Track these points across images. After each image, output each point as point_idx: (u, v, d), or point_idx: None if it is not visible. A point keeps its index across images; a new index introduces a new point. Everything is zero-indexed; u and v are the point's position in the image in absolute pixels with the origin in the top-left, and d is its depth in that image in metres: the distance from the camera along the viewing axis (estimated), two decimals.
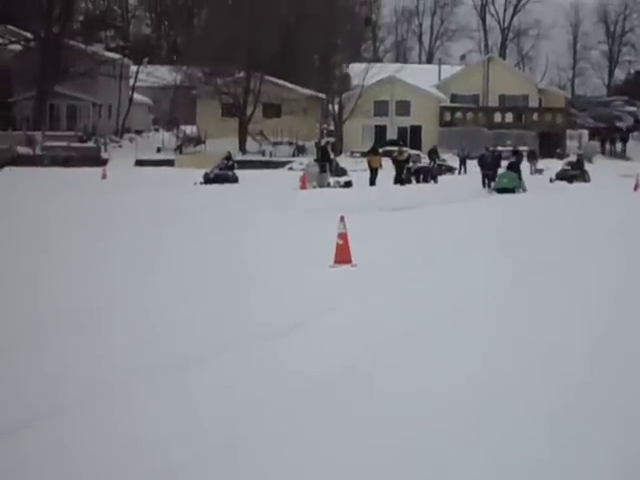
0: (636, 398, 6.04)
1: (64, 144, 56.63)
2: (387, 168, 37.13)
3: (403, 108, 68.02)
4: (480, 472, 4.76)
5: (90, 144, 60.57)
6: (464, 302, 9.67)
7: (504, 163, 35.22)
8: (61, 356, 7.19)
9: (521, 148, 49.55)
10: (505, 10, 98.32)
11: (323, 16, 65.83)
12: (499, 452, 5.00)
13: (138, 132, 70.87)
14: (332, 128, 67.85)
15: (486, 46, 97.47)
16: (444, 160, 49.55)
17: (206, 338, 7.84)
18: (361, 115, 63.85)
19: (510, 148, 40.82)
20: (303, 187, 31.75)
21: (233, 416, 5.60)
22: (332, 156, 39.11)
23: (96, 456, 4.96)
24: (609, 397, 6.07)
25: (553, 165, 47.19)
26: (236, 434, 5.27)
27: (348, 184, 34.33)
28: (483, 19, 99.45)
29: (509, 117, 68.21)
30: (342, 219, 12.62)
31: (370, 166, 36.50)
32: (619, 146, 70.01)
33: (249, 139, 64.52)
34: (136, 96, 73.23)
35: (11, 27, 65.22)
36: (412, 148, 54.41)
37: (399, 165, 36.25)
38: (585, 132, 71.64)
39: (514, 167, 33.34)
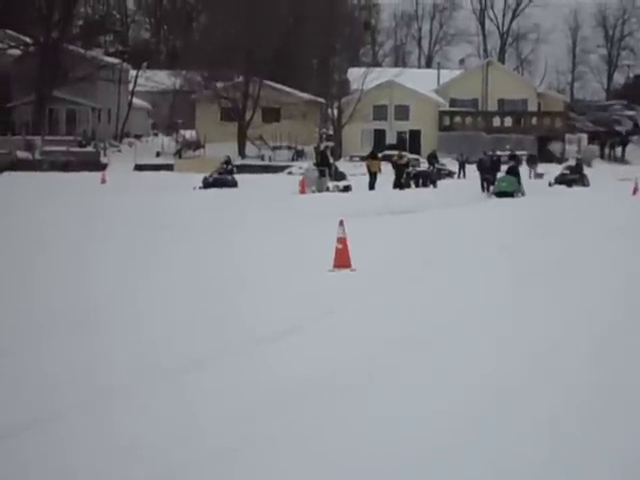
0: (638, 398, 6.05)
1: (63, 149, 56.70)
2: (386, 172, 37.14)
3: (402, 112, 68.07)
4: (481, 473, 4.76)
5: (89, 149, 60.63)
6: (464, 305, 9.68)
7: (504, 167, 35.25)
8: (60, 358, 7.20)
9: (520, 152, 49.67)
10: (504, 14, 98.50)
11: (322, 20, 65.93)
12: (500, 452, 5.00)
13: (137, 137, 70.92)
14: (331, 132, 67.91)
15: (485, 50, 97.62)
16: (443, 164, 49.57)
17: (205, 341, 7.86)
18: (360, 119, 63.89)
19: (508, 152, 40.80)
20: (302, 191, 31.75)
21: (232, 419, 5.61)
22: (331, 160, 39.12)
23: (96, 459, 4.97)
24: (612, 397, 6.08)
25: (552, 169, 47.21)
26: (236, 437, 5.28)
27: (347, 188, 34.34)
28: (482, 23, 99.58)
29: (508, 121, 68.27)
30: (341, 223, 12.62)
31: (369, 170, 36.50)
32: (618, 150, 70.07)
33: (248, 143, 64.56)
34: (135, 101, 73.30)
35: (10, 32, 65.32)
36: (411, 152, 54.43)
37: (399, 169, 36.27)
38: (584, 136, 71.67)
39: (513, 171, 33.35)
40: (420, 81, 68.94)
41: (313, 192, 32.28)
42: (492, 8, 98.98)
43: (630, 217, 21.60)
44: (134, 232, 17.68)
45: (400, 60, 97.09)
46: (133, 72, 72.90)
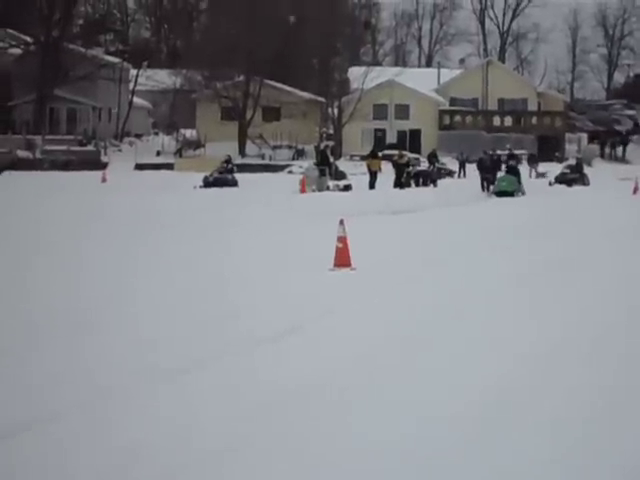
0: (638, 398, 6.07)
1: (64, 148, 56.67)
2: (387, 171, 37.14)
3: (402, 112, 68.07)
4: (482, 474, 4.78)
5: (90, 148, 60.59)
6: (464, 305, 9.68)
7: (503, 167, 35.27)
8: (59, 358, 7.20)
9: (520, 152, 49.63)
10: (504, 14, 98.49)
11: (323, 20, 65.88)
12: (501, 453, 5.02)
13: (138, 136, 70.91)
14: (331, 132, 67.89)
15: (485, 50, 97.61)
16: (443, 164, 49.56)
17: (205, 341, 7.85)
18: (360, 119, 63.88)
19: (508, 152, 40.74)
20: (302, 191, 31.75)
21: (232, 419, 5.61)
22: (331, 160, 39.14)
23: (95, 459, 4.97)
24: (611, 398, 6.10)
25: (552, 169, 47.21)
26: (236, 438, 5.28)
27: (347, 187, 34.33)
28: (482, 23, 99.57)
29: (508, 121, 68.26)
30: (341, 222, 12.62)
31: (370, 169, 36.51)
32: (619, 150, 70.05)
33: (249, 142, 64.55)
34: (136, 100, 73.28)
35: (11, 31, 65.30)
36: (411, 152, 54.43)
37: (399, 169, 36.29)
38: (584, 136, 71.68)
39: (513, 171, 33.37)
40: (420, 80, 68.94)
41: (313, 191, 32.28)
42: (492, 8, 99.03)
43: (630, 217, 21.60)
44: (134, 231, 17.69)
45: (400, 59, 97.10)
46: (134, 71, 72.88)
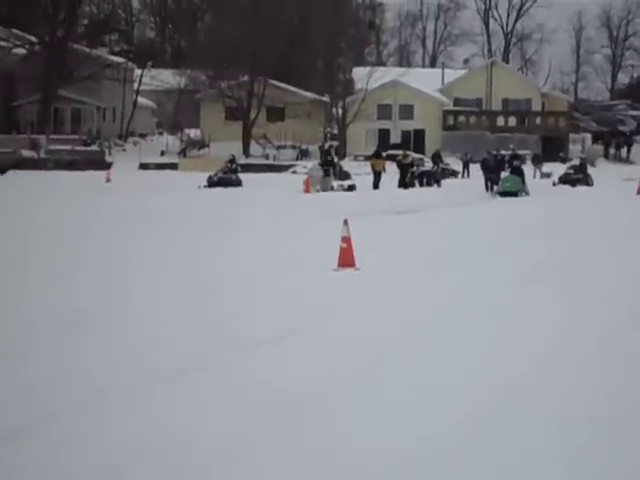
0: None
1: (68, 147, 56.70)
2: (391, 172, 37.15)
3: (406, 112, 68.07)
4: (487, 473, 4.78)
5: (94, 148, 60.64)
6: (468, 305, 9.67)
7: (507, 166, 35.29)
8: (58, 358, 7.19)
9: (524, 152, 49.54)
10: (508, 15, 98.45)
11: (327, 20, 65.89)
12: (506, 452, 5.02)
13: (142, 135, 70.96)
14: (336, 132, 67.85)
15: (489, 50, 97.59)
16: (447, 164, 49.56)
17: (206, 341, 7.85)
18: (365, 119, 63.88)
19: (511, 152, 40.73)
20: (307, 191, 31.77)
21: (233, 420, 5.61)
22: (336, 160, 39.12)
23: (95, 460, 4.98)
24: (616, 397, 6.10)
25: (556, 169, 47.18)
26: (236, 439, 5.28)
27: (352, 188, 34.35)
28: (486, 23, 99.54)
29: (512, 121, 68.25)
30: (346, 222, 12.62)
31: (374, 170, 36.53)
32: (623, 150, 69.99)
33: (253, 142, 64.56)
34: (140, 100, 73.32)
35: (16, 31, 65.32)
36: (415, 152, 54.45)
37: (403, 169, 36.32)
38: (588, 136, 71.62)
39: (517, 171, 33.37)
40: (424, 81, 68.93)
41: (317, 191, 32.31)
42: (496, 8, 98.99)
43: (634, 217, 21.61)
44: (136, 231, 17.69)
45: (404, 60, 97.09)
46: (138, 71, 72.90)
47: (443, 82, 71.75)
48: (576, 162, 46.08)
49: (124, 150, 64.92)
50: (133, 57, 73.60)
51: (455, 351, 7.43)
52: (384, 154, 40.32)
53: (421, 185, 36.93)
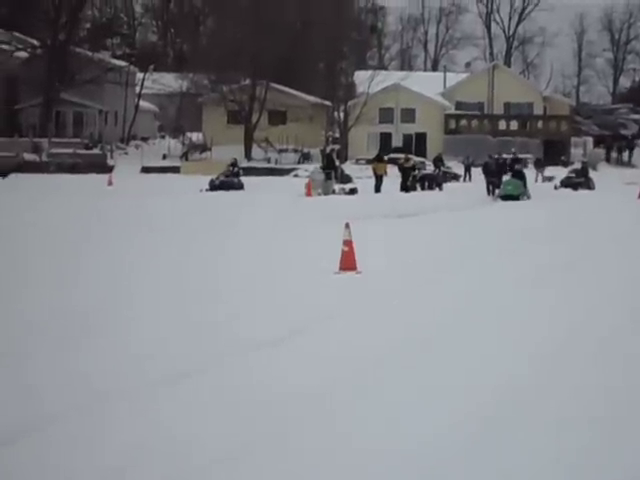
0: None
1: (70, 151, 56.76)
2: (392, 175, 37.18)
3: (408, 115, 68.12)
4: (489, 473, 4.79)
5: (96, 151, 60.72)
6: (470, 308, 9.68)
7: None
8: (58, 362, 7.19)
9: (526, 156, 49.53)
10: (510, 18, 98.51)
11: (329, 23, 65.94)
12: (508, 453, 5.03)
13: (144, 139, 71.04)
14: (337, 135, 67.93)
15: (491, 54, 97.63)
16: (449, 167, 49.59)
17: (207, 344, 7.84)
18: (366, 122, 63.92)
19: (512, 156, 40.71)
20: (308, 194, 31.81)
21: (233, 424, 5.61)
22: (337, 163, 39.18)
23: (94, 463, 4.98)
24: (615, 399, 6.12)
25: (558, 173, 47.21)
26: (237, 444, 5.28)
27: (353, 191, 34.40)
28: (488, 27, 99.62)
29: (514, 125, 68.28)
30: (347, 226, 12.63)
31: (375, 173, 36.58)
32: (625, 154, 70.02)
33: (255, 146, 64.62)
34: (142, 103, 73.42)
35: (18, 34, 65.39)
36: (417, 155, 54.49)
37: (405, 172, 36.36)
38: (590, 140, 71.66)
39: (518, 174, 33.40)
40: (426, 84, 68.98)
41: (319, 195, 32.34)
42: (498, 12, 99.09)
43: (637, 221, 21.62)
44: (139, 235, 17.71)
45: (406, 63, 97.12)
46: (140, 75, 72.99)
47: (445, 86, 71.80)
48: (578, 166, 46.15)
49: (126, 153, 64.98)
50: (135, 61, 73.67)
51: (456, 353, 7.44)
52: (386, 158, 40.37)
53: (423, 189, 36.94)
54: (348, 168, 46.85)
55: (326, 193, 32.98)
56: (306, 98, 67.91)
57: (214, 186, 36.59)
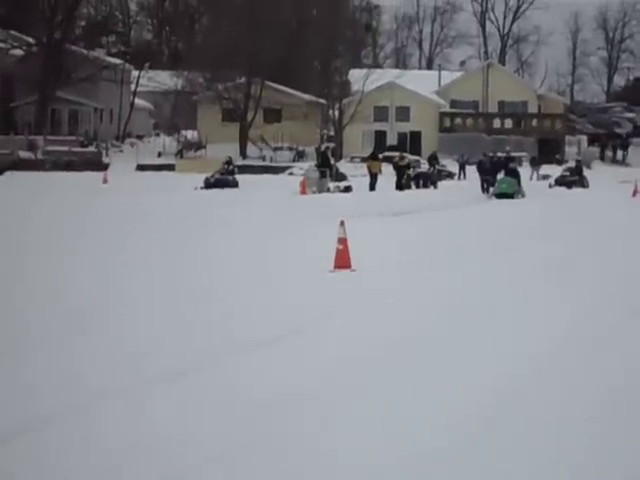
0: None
1: (65, 149, 56.71)
2: (387, 173, 37.21)
3: (403, 114, 68.13)
4: (485, 472, 4.80)
5: (91, 149, 60.65)
6: (465, 306, 9.69)
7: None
8: (54, 360, 7.18)
9: (520, 154, 49.55)
10: (505, 17, 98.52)
11: (324, 22, 65.95)
12: (505, 451, 5.04)
13: (139, 137, 70.96)
14: (332, 133, 67.95)
15: (486, 52, 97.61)
16: (444, 166, 49.63)
17: (202, 343, 7.84)
18: (361, 120, 63.94)
19: (511, 154, 40.70)
20: (303, 192, 31.84)
21: (230, 423, 5.62)
22: (332, 161, 39.22)
23: (90, 461, 4.98)
24: (614, 398, 6.14)
25: (552, 171, 47.24)
26: (233, 443, 5.29)
27: (348, 189, 34.44)
28: (483, 26, 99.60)
29: (508, 123, 68.32)
30: (342, 224, 12.62)
31: (370, 171, 36.61)
32: (619, 153, 70.10)
33: (250, 144, 64.59)
34: (137, 101, 73.34)
35: (13, 32, 65.32)
36: (412, 154, 54.51)
37: (400, 170, 36.41)
38: (584, 138, 71.75)
39: (513, 173, 33.47)
40: (421, 83, 68.99)
41: (314, 193, 32.38)
42: (493, 10, 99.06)
43: (631, 219, 21.67)
44: (134, 232, 17.69)
45: (401, 62, 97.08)
46: (135, 73, 72.94)
47: (439, 84, 71.81)
48: (572, 164, 46.19)
49: (121, 151, 64.93)
50: (130, 59, 73.58)
51: (453, 352, 7.44)
52: (380, 156, 40.39)
53: (417, 187, 36.99)
54: (343, 166, 46.89)
55: (321, 191, 33.02)
56: (301, 96, 67.91)
57: (209, 184, 36.62)
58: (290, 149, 64.46)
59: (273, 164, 60.18)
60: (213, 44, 65.72)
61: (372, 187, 35.12)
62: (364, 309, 9.59)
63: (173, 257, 14.09)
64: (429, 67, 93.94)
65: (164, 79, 70.64)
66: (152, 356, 7.30)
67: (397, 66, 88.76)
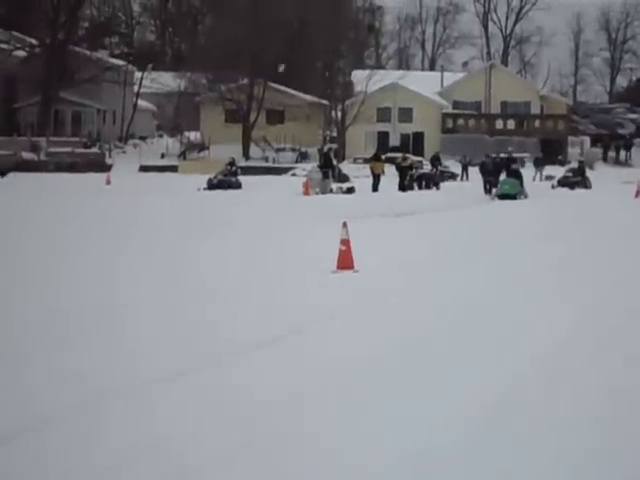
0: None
1: (68, 150, 56.79)
2: (389, 174, 37.21)
3: (405, 115, 68.17)
4: (487, 474, 4.79)
5: (94, 150, 60.75)
6: (468, 307, 9.68)
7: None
8: (53, 361, 7.17)
9: (523, 155, 49.53)
10: (507, 17, 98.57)
11: (327, 23, 65.98)
12: (507, 454, 5.03)
13: (142, 138, 71.05)
14: (335, 134, 68.02)
15: (488, 53, 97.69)
16: (446, 167, 49.67)
17: (203, 343, 7.84)
18: (364, 121, 63.99)
19: (512, 155, 40.67)
20: (306, 193, 31.86)
21: (231, 423, 5.61)
22: (335, 162, 39.22)
23: (90, 462, 4.97)
24: (616, 399, 6.13)
25: (555, 172, 47.23)
26: (234, 442, 5.28)
27: (351, 190, 34.46)
28: (485, 26, 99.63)
29: (511, 124, 68.36)
30: (345, 225, 12.61)
31: (373, 172, 36.62)
32: (622, 153, 70.08)
33: (252, 145, 64.65)
34: (140, 102, 73.42)
35: (16, 33, 65.42)
36: (414, 155, 54.53)
37: (402, 171, 36.43)
38: (587, 139, 71.74)
39: (515, 174, 33.48)
40: (423, 84, 69.04)
41: (317, 194, 32.39)
42: (495, 11, 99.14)
43: (633, 220, 21.66)
44: (136, 233, 17.66)
45: (404, 63, 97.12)
46: (138, 74, 73.01)
47: (442, 85, 71.86)
48: (575, 165, 46.20)
49: (124, 152, 65.03)
50: (133, 60, 73.69)
51: (455, 352, 7.44)
52: (383, 157, 40.42)
53: (420, 188, 37.02)
54: (346, 167, 46.88)
55: (324, 192, 33.04)
56: (304, 97, 67.96)
57: (212, 185, 36.66)
58: (293, 150, 64.51)
59: (276, 165, 60.22)
60: (216, 45, 65.83)
61: (375, 188, 35.13)
62: (367, 310, 9.58)
63: (175, 258, 14.08)
64: (432, 68, 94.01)
65: (167, 80, 70.75)
66: (152, 356, 7.29)
67: (400, 67, 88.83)
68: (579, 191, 37.59)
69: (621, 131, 72.74)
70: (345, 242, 12.47)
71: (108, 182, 39.06)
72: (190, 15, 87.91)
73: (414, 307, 9.71)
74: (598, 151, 69.19)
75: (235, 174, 38.78)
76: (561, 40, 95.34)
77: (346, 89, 69.34)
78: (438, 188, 37.83)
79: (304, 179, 35.59)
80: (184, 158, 63.06)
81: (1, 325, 8.62)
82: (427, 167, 45.27)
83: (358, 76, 68.49)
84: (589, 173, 43.66)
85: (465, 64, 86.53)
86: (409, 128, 67.72)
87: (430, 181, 38.47)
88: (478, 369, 6.88)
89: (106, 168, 51.62)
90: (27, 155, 55.08)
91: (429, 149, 60.68)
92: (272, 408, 5.87)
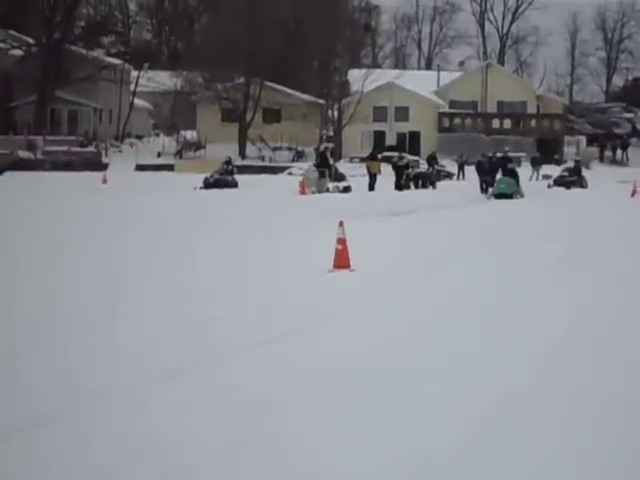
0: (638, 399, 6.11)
1: (65, 149, 56.77)
2: (386, 173, 37.22)
3: (402, 114, 68.17)
4: (486, 473, 4.80)
5: (91, 149, 60.70)
6: (465, 306, 9.68)
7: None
8: (50, 361, 7.17)
9: (519, 154, 49.54)
10: (504, 17, 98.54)
11: (323, 22, 65.95)
12: (505, 453, 5.04)
13: (138, 137, 71.02)
14: (331, 133, 68.01)
15: (485, 53, 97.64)
16: (443, 166, 49.66)
17: (200, 342, 7.84)
18: (360, 121, 63.97)
19: (508, 154, 40.65)
20: (302, 192, 31.84)
21: (228, 422, 5.62)
22: (331, 161, 39.23)
23: (90, 461, 4.98)
24: (615, 398, 6.14)
25: (551, 171, 47.28)
26: (232, 441, 5.29)
27: (347, 189, 34.47)
28: (482, 26, 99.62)
29: (507, 123, 68.38)
30: (341, 224, 12.61)
31: (369, 171, 36.62)
32: (619, 153, 70.14)
33: (249, 144, 64.64)
34: (137, 101, 73.39)
35: (13, 32, 65.39)
36: (411, 154, 54.55)
37: (399, 171, 36.44)
38: (583, 138, 71.80)
39: (511, 173, 33.50)
40: (420, 83, 69.02)
41: (313, 193, 32.38)
42: (492, 11, 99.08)
43: (629, 220, 21.69)
44: (133, 232, 17.66)
45: (400, 62, 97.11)
46: (135, 73, 72.99)
47: (438, 84, 71.85)
48: (571, 164, 46.24)
49: (120, 151, 64.97)
50: (130, 59, 73.61)
51: (453, 352, 7.44)
52: (379, 156, 40.40)
53: (416, 187, 37.03)
54: (342, 166, 46.86)
55: (320, 191, 33.03)
56: (300, 96, 67.95)
57: (208, 184, 36.67)
58: (289, 149, 64.51)
59: (272, 164, 60.21)
60: (212, 44, 65.78)
61: (371, 187, 35.14)
62: (363, 309, 9.58)
63: (172, 257, 14.08)
64: (428, 67, 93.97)
65: (163, 79, 70.70)
66: (151, 355, 7.30)
67: (396, 66, 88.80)
68: (575, 190, 37.65)
69: (617, 131, 72.80)
70: (341, 241, 12.48)
71: (104, 181, 39.05)
72: (186, 14, 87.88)
73: (411, 306, 9.70)
74: (594, 151, 69.25)
75: (231, 173, 38.79)
76: (557, 40, 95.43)
77: (342, 88, 69.30)
78: (434, 187, 37.83)
79: (300, 178, 35.58)
80: (180, 157, 63.03)
81: (0, 324, 8.61)
82: (423, 166, 45.25)
83: (354, 75, 68.46)
84: (585, 173, 43.75)
85: (461, 63, 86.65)
86: (405, 127, 67.72)
87: (426, 180, 38.47)
88: (477, 369, 6.88)
89: (102, 167, 51.59)
90: (23, 154, 55.03)
91: (425, 148, 60.68)
92: (269, 407, 5.87)
